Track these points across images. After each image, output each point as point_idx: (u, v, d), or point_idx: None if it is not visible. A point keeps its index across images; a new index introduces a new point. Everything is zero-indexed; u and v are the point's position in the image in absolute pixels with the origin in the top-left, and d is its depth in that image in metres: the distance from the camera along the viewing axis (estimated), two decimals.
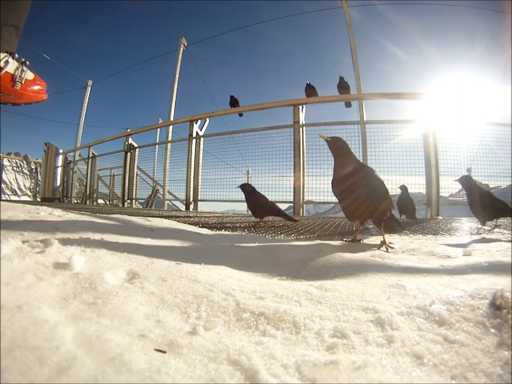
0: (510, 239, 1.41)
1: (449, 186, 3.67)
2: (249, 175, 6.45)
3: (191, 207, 4.59)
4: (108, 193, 6.85)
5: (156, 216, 2.08)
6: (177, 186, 5.29)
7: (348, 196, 1.22)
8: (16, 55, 1.42)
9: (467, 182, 1.91)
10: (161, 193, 5.94)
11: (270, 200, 2.34)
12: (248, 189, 2.28)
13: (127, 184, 5.62)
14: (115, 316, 0.41)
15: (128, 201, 5.66)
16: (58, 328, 0.35)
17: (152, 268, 0.64)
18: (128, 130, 6.73)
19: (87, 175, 6.70)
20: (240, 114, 5.39)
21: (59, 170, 6.86)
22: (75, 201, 7.10)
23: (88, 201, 6.60)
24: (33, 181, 9.22)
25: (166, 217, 2.21)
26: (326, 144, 1.35)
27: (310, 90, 4.91)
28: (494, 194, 1.88)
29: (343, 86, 4.88)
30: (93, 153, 6.68)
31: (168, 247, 0.96)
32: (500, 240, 1.35)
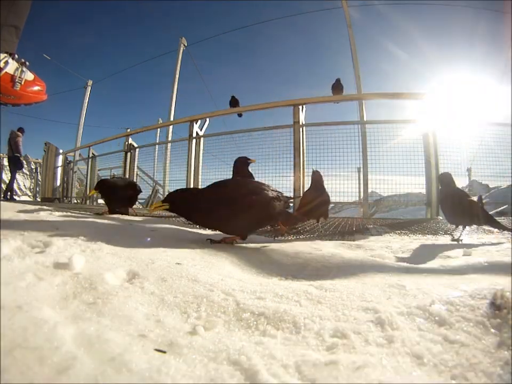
0: (510, 239, 1.41)
1: None
2: None
3: None
4: None
5: (156, 217, 2.08)
6: (177, 186, 5.27)
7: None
8: (16, 56, 1.42)
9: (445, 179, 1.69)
10: (161, 193, 5.93)
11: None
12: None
13: None
14: (115, 316, 0.41)
15: None
16: (58, 328, 0.35)
17: (152, 268, 0.64)
18: (128, 130, 6.73)
19: (87, 175, 6.70)
20: (240, 115, 5.39)
21: (59, 170, 6.86)
22: (75, 201, 7.10)
23: (88, 201, 6.59)
24: (33, 181, 9.21)
25: (166, 217, 2.20)
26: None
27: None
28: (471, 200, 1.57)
29: (337, 87, 4.91)
30: (93, 153, 6.67)
31: (168, 247, 0.96)
32: (500, 241, 1.35)
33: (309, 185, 1.88)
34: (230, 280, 0.62)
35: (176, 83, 9.20)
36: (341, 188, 3.82)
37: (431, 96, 3.72)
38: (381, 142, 3.88)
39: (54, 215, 1.43)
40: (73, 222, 1.25)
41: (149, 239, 1.06)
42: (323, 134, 3.93)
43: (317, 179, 1.79)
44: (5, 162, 7.24)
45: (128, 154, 5.69)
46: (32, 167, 9.71)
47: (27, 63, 1.44)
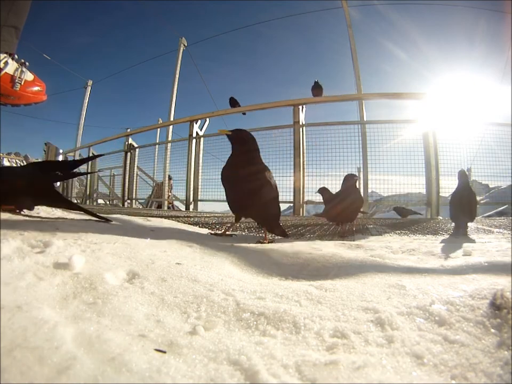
0: (510, 239, 1.41)
1: (449, 186, 3.68)
2: None
3: (191, 207, 4.59)
4: (108, 193, 6.84)
5: (155, 216, 2.08)
6: (177, 186, 5.30)
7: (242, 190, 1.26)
8: (16, 56, 1.42)
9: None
10: None
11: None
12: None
13: (127, 184, 5.61)
14: (115, 316, 0.41)
15: (128, 201, 5.66)
16: (58, 328, 0.35)
17: (152, 268, 0.64)
18: (128, 130, 6.72)
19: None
20: (244, 113, 5.38)
21: None
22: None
23: (88, 201, 6.59)
24: None
25: (166, 217, 2.20)
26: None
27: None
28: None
29: (316, 88, 4.88)
30: (93, 153, 6.68)
31: (168, 247, 0.96)
32: (500, 241, 1.35)
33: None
34: (230, 280, 0.62)
35: (176, 83, 9.20)
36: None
37: (431, 96, 3.73)
38: (381, 142, 3.89)
39: (54, 215, 1.43)
40: (73, 222, 1.25)
41: (149, 239, 1.06)
42: (323, 134, 3.94)
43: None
44: (5, 162, 7.24)
45: (128, 154, 5.69)
46: None
47: (27, 63, 1.44)
